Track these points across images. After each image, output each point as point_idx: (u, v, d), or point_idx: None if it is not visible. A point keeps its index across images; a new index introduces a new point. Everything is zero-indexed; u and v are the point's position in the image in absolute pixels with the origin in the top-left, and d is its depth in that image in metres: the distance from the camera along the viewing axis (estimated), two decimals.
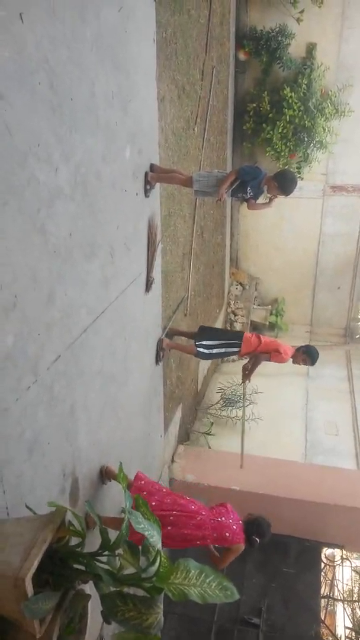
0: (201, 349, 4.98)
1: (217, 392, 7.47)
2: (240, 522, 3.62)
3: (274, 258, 9.57)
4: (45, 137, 2.49)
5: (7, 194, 2.22)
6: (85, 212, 2.98)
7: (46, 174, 2.53)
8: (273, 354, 4.88)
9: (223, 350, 5.01)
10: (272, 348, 4.91)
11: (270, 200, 4.25)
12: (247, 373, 5.16)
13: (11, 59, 2.18)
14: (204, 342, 4.99)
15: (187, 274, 5.91)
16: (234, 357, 5.17)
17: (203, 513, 3.57)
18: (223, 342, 5.02)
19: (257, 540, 3.59)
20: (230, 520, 3.57)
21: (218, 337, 5.09)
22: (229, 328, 9.19)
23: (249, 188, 4.12)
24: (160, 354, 4.83)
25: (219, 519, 3.56)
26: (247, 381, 5.27)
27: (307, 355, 4.86)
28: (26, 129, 2.33)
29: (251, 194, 4.17)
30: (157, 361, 4.81)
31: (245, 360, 5.30)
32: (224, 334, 5.27)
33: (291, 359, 4.96)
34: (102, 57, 3.04)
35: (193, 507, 3.58)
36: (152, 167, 4.09)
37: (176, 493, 3.76)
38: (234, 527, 3.55)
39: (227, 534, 3.52)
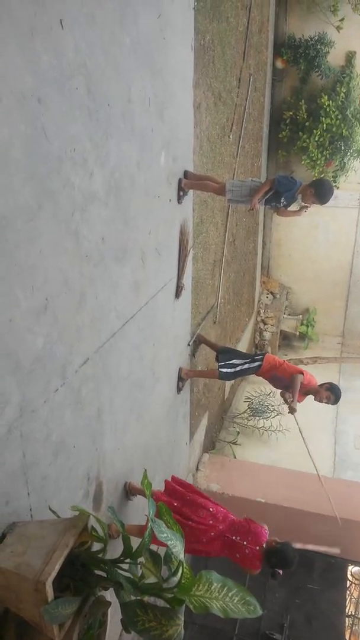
0: (224, 369, 4.83)
1: (245, 402, 7.40)
2: (259, 548, 3.32)
3: (306, 267, 9.45)
4: (81, 141, 2.51)
5: (42, 197, 2.24)
6: (118, 217, 2.99)
7: (81, 179, 2.54)
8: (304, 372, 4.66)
9: (247, 366, 4.85)
10: (296, 370, 4.70)
11: (301, 209, 4.17)
12: (290, 401, 4.63)
13: (50, 63, 2.21)
14: (228, 362, 4.85)
15: (217, 281, 5.88)
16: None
17: (220, 527, 3.41)
18: (247, 359, 4.90)
19: (280, 572, 3.30)
20: (245, 542, 3.32)
21: (242, 357, 4.97)
22: (257, 338, 9.11)
23: (283, 198, 4.07)
24: (179, 383, 4.73)
25: (234, 538, 3.36)
26: (295, 410, 4.70)
27: (331, 392, 4.58)
28: (63, 133, 2.35)
29: (284, 203, 4.12)
30: (178, 390, 4.72)
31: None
32: (247, 353, 5.08)
33: (312, 396, 4.71)
34: (139, 64, 3.05)
35: (211, 521, 3.43)
36: (186, 174, 4.09)
37: (199, 499, 3.63)
38: (246, 550, 3.30)
39: (237, 555, 3.33)
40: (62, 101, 2.32)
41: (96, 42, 2.56)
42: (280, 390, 4.85)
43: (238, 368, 4.88)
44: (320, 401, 4.68)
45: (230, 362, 4.87)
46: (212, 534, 3.39)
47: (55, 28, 2.21)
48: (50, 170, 2.29)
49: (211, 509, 3.53)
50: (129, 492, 3.62)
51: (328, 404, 4.70)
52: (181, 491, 3.66)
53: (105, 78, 2.68)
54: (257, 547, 3.32)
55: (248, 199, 4.11)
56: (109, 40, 2.68)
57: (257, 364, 4.84)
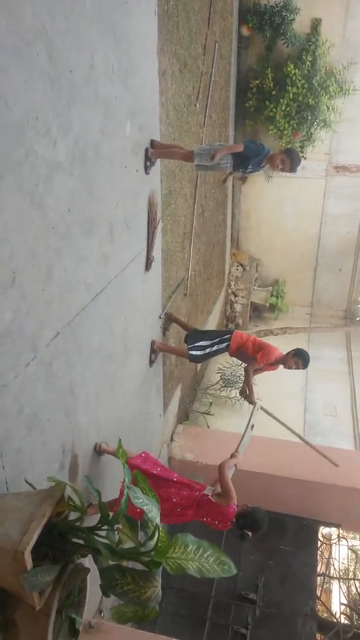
0: (194, 352, 4.91)
1: (217, 373, 7.49)
2: (229, 523, 3.41)
3: (275, 239, 9.51)
4: (43, 110, 2.45)
5: (5, 168, 2.19)
6: (84, 187, 2.95)
7: (44, 148, 2.49)
8: (259, 355, 4.71)
9: (215, 347, 4.93)
10: (257, 346, 4.77)
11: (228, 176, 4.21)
12: (247, 392, 4.87)
13: (8, 28, 2.13)
14: (197, 344, 4.93)
15: (187, 253, 5.87)
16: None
17: (189, 513, 3.47)
18: (215, 340, 4.96)
19: (249, 534, 3.40)
20: (216, 522, 3.43)
21: (210, 337, 5.04)
22: (228, 310, 9.19)
23: (250, 165, 4.05)
24: (152, 356, 4.75)
25: (204, 519, 3.45)
26: (254, 400, 4.89)
27: (298, 357, 4.68)
28: (24, 101, 2.28)
29: (250, 169, 4.11)
30: (150, 363, 4.75)
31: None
32: (215, 332, 5.19)
33: (282, 365, 4.82)
34: (102, 29, 2.97)
35: (179, 510, 3.47)
36: (153, 143, 4.03)
37: (171, 481, 3.62)
38: (220, 525, 3.43)
39: (210, 526, 3.45)
40: (22, 68, 2.25)
41: (56, 6, 2.47)
42: (240, 388, 4.97)
43: (207, 350, 4.94)
44: (290, 368, 4.77)
45: (198, 344, 4.94)
46: (185, 516, 3.47)
47: None
48: (12, 140, 2.23)
49: (174, 499, 3.49)
50: (98, 453, 3.62)
51: (299, 369, 4.79)
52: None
53: (67, 44, 2.60)
54: (228, 522, 3.41)
55: (216, 164, 4.07)
56: (70, 4, 2.59)
57: (225, 344, 4.91)
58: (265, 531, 3.56)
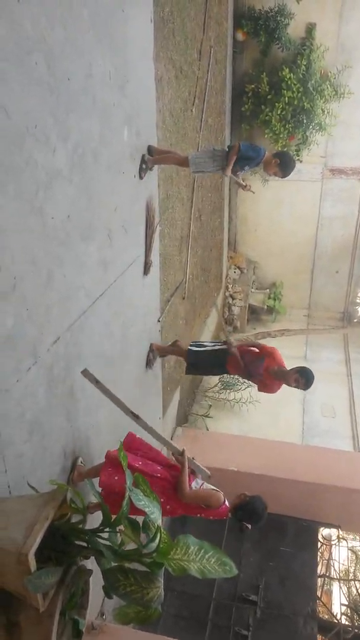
0: (193, 348, 4.82)
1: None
2: (225, 517, 3.30)
3: (272, 242, 9.55)
4: (42, 118, 2.48)
5: (5, 175, 2.22)
6: (83, 193, 2.98)
7: (44, 156, 2.52)
8: (267, 357, 4.48)
9: (213, 346, 4.83)
10: (268, 350, 4.54)
11: (244, 186, 4.27)
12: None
13: (8, 37, 2.17)
14: (197, 342, 4.84)
15: (185, 257, 5.91)
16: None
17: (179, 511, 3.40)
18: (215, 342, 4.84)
19: (248, 527, 3.26)
20: (212, 517, 3.35)
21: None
22: (226, 313, 9.21)
23: (247, 166, 4.09)
24: (150, 359, 4.69)
25: (198, 516, 3.38)
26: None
27: (300, 375, 4.29)
28: (23, 109, 2.32)
29: (247, 169, 4.14)
30: (147, 365, 4.69)
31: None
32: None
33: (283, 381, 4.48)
34: (99, 37, 3.01)
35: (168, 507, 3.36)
36: (150, 149, 4.07)
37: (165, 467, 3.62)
38: (214, 519, 3.37)
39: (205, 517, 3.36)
40: (21, 77, 2.28)
41: (54, 16, 2.51)
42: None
43: (209, 347, 4.82)
44: (290, 385, 4.42)
45: (200, 342, 4.92)
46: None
47: (12, 1, 2.17)
48: (12, 148, 2.26)
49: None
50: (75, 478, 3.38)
51: (299, 387, 4.40)
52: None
53: (65, 52, 2.64)
54: (225, 517, 3.32)
55: (213, 168, 4.10)
56: (68, 14, 2.63)
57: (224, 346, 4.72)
58: (264, 529, 3.45)
